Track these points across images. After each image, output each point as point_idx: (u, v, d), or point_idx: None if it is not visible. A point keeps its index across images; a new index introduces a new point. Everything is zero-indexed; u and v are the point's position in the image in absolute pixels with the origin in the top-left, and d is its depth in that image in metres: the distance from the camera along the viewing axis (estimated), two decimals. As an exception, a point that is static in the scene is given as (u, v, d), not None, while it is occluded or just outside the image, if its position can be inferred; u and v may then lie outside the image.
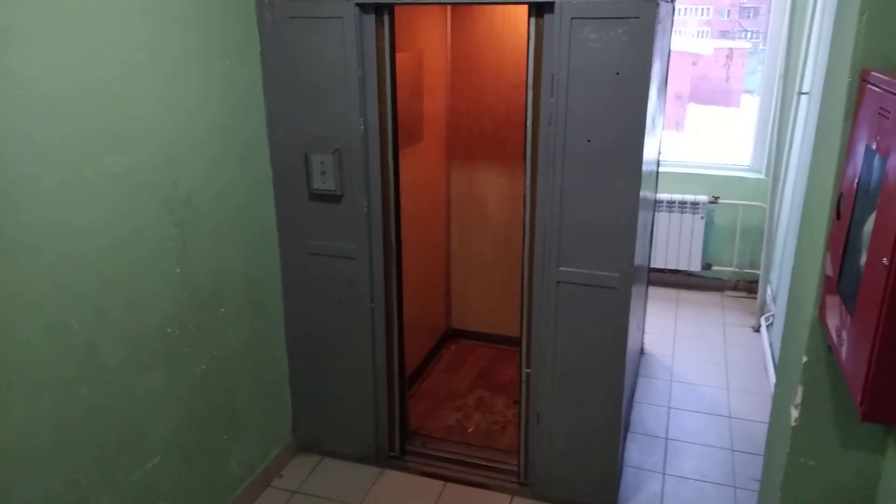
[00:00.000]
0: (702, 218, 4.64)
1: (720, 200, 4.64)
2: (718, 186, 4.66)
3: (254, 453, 2.78)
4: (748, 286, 4.79)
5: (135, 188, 2.03)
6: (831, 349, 1.72)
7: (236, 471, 2.68)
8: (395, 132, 2.60)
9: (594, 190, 2.33)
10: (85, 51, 1.82)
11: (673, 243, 4.74)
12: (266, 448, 2.87)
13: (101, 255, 1.94)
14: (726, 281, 4.86)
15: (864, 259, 1.36)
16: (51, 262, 1.78)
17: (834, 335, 1.53)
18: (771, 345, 3.87)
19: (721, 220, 4.71)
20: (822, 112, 1.80)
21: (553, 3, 2.19)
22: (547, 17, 2.24)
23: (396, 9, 2.47)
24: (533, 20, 2.28)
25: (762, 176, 4.59)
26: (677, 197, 4.66)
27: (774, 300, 4.14)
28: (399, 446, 2.98)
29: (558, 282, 2.47)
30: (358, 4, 2.40)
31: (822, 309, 1.67)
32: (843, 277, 1.49)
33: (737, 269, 4.77)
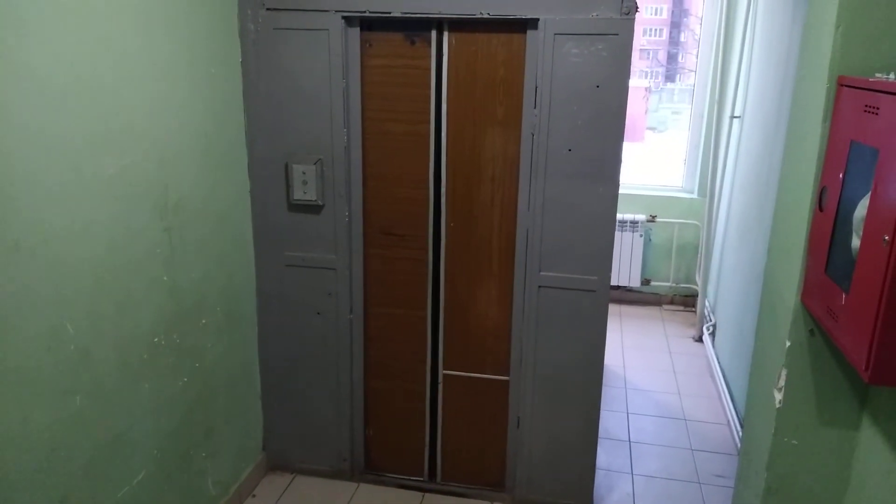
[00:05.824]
0: (640, 236, 4.89)
1: (657, 219, 4.91)
2: (655, 206, 4.93)
3: (227, 472, 2.69)
4: (684, 300, 5.06)
5: (129, 191, 1.98)
6: (813, 332, 1.89)
7: (212, 490, 2.58)
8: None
9: (574, 196, 2.45)
10: (86, 51, 1.78)
11: (614, 260, 4.94)
12: (238, 467, 2.78)
13: (97, 258, 1.88)
14: (663, 296, 5.12)
15: (855, 241, 1.52)
16: (50, 263, 1.71)
17: (824, 315, 1.69)
18: (715, 350, 4.10)
19: (658, 238, 4.98)
20: (793, 119, 1.99)
21: (538, 20, 2.32)
22: (530, 33, 2.36)
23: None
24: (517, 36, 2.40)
25: (695, 196, 4.90)
26: (618, 216, 4.89)
27: (713, 311, 4.40)
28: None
29: (539, 286, 2.56)
30: (344, 17, 2.45)
31: (805, 294, 1.83)
32: (831, 261, 1.65)
33: (673, 284, 5.04)
